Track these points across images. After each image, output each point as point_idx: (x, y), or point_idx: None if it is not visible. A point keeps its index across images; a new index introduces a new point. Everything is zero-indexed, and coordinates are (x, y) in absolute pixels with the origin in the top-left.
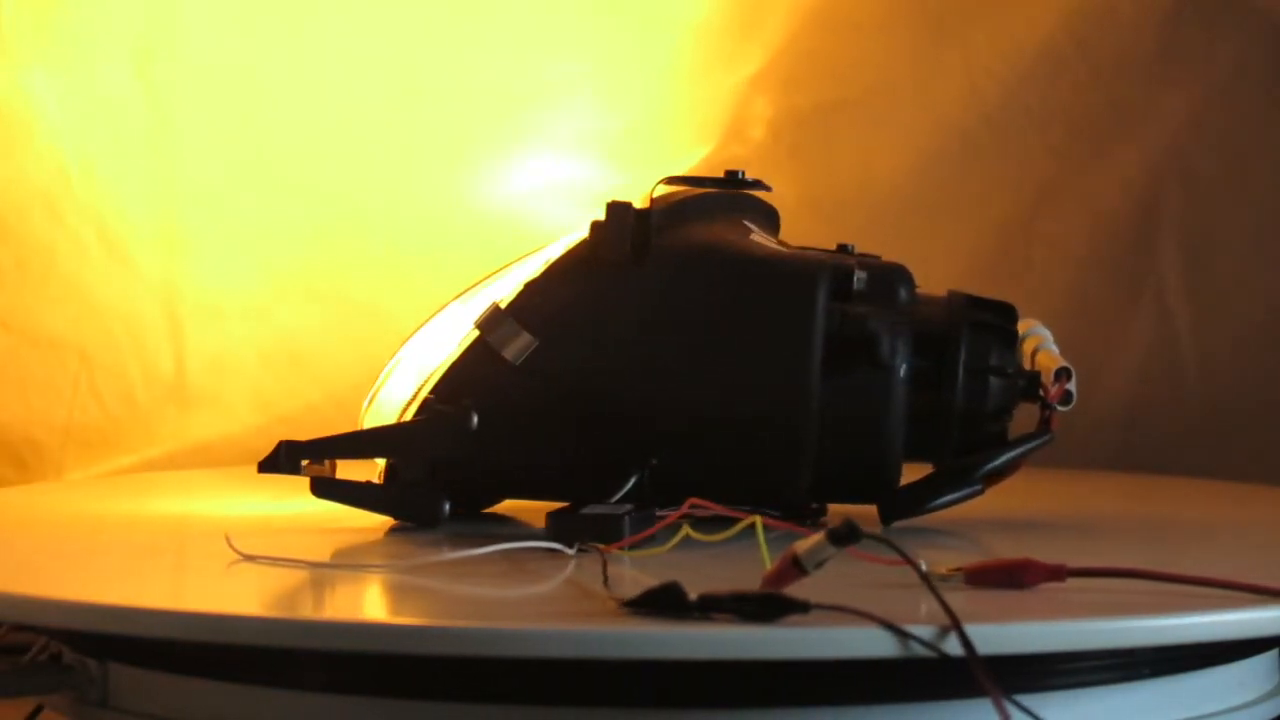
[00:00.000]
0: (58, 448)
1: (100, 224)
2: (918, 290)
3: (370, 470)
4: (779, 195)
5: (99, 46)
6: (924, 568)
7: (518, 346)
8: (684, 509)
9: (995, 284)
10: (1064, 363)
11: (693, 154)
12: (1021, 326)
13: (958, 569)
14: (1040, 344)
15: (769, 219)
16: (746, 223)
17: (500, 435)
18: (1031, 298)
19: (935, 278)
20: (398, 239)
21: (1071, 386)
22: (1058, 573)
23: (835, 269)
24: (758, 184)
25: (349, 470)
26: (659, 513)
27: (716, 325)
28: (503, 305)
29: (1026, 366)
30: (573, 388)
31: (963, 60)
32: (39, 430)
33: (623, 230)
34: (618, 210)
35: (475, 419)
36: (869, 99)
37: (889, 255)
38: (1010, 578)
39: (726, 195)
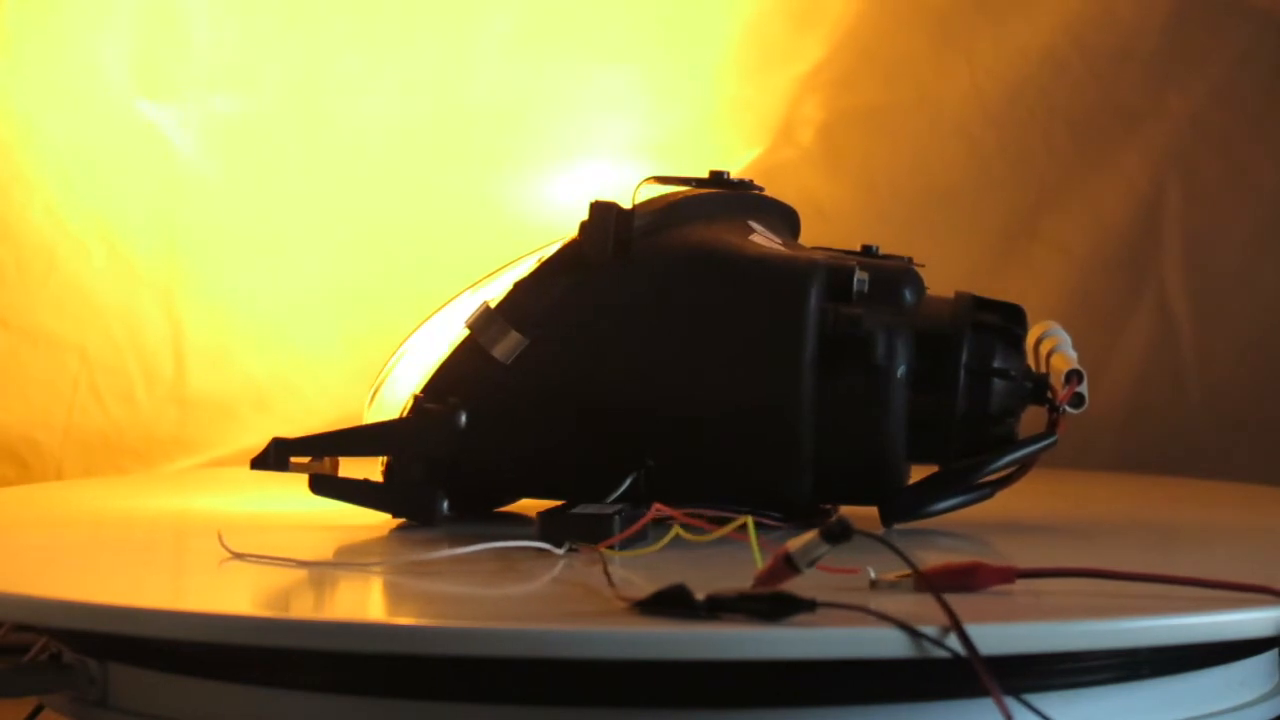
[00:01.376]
0: (57, 447)
1: (100, 224)
2: (928, 292)
3: (375, 467)
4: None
5: (99, 47)
6: (873, 575)
7: (507, 345)
8: (650, 514)
9: (996, 284)
10: (1076, 365)
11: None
12: (1039, 328)
13: (906, 574)
14: (1055, 346)
15: (784, 220)
16: (753, 223)
17: (493, 434)
18: (1032, 297)
19: (936, 278)
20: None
21: (1083, 389)
22: (1006, 575)
23: (830, 269)
24: (744, 184)
25: (359, 468)
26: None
27: (707, 325)
28: (492, 305)
29: (1042, 369)
30: (564, 387)
31: (966, 62)
32: (39, 430)
33: (605, 230)
34: (600, 210)
35: (463, 418)
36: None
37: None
38: (959, 582)
39: (732, 196)
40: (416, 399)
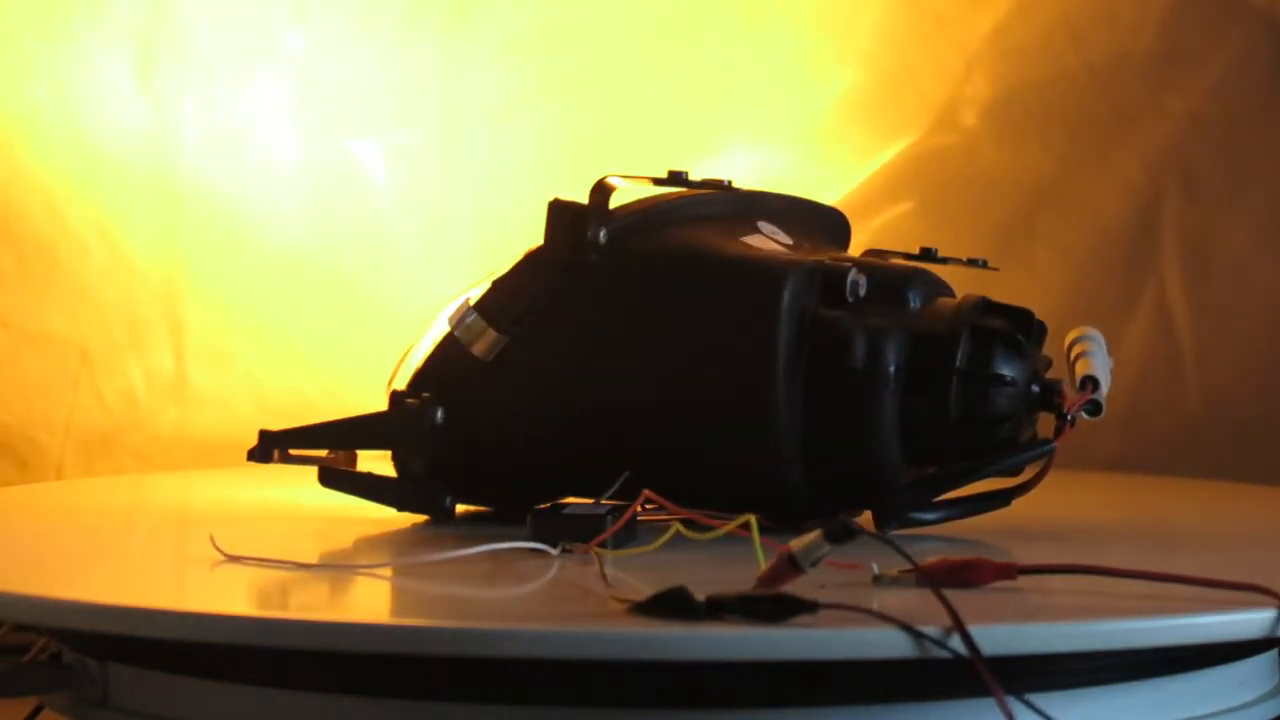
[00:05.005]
0: (58, 447)
1: (100, 224)
2: (947, 296)
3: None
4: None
5: (99, 46)
6: (876, 570)
7: (486, 343)
8: (634, 508)
9: (995, 284)
10: (1092, 371)
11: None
12: (1075, 333)
13: (909, 570)
14: (1083, 352)
15: (821, 223)
16: (763, 225)
17: (479, 432)
18: (1031, 297)
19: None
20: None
21: (1099, 396)
22: (1007, 571)
23: (821, 272)
24: (716, 184)
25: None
26: (641, 514)
27: (683, 326)
28: (472, 302)
29: (1070, 374)
30: (545, 385)
31: (963, 60)
32: (39, 429)
33: (562, 230)
34: (557, 209)
35: (439, 414)
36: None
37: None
38: (960, 577)
39: (738, 197)
40: (395, 394)
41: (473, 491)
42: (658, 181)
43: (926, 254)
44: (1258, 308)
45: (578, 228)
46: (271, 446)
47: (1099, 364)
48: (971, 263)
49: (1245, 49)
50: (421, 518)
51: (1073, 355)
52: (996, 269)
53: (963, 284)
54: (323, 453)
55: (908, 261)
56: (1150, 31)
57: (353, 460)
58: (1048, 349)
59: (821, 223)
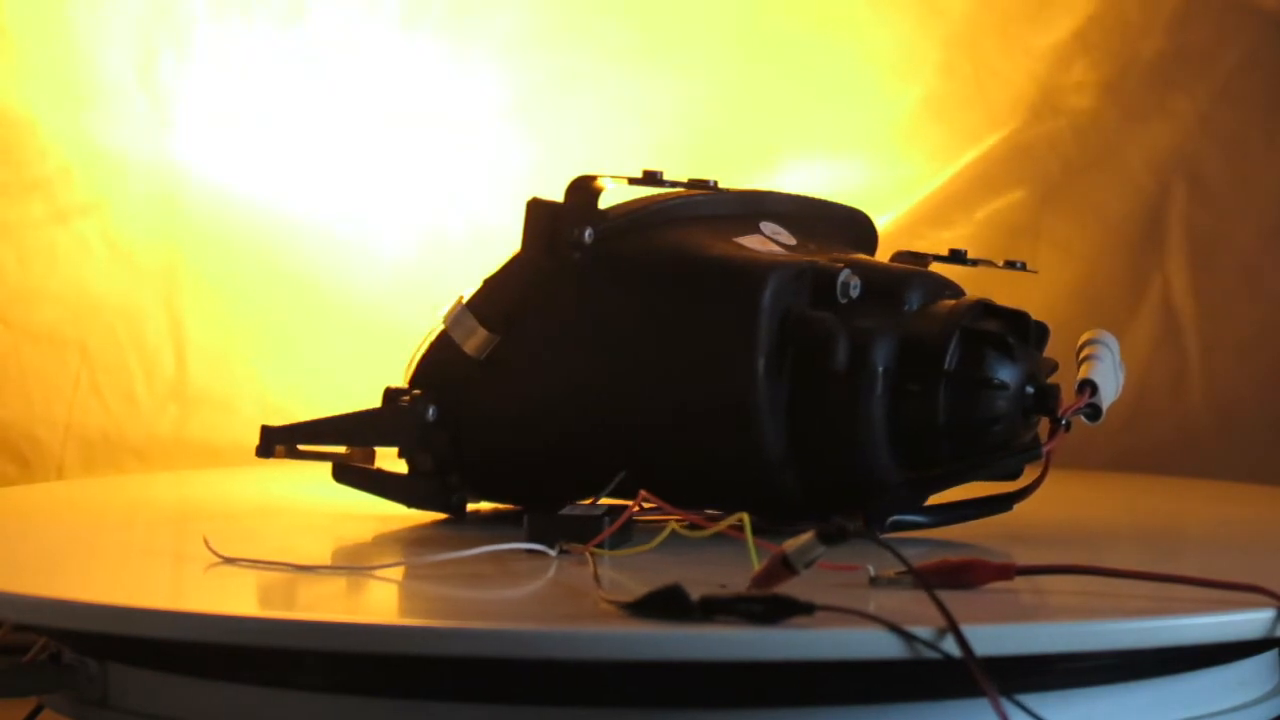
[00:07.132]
0: (58, 445)
1: (100, 223)
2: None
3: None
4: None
5: (99, 46)
6: (872, 571)
7: (477, 341)
8: (631, 510)
9: (1000, 284)
10: (1092, 376)
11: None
12: (1086, 336)
13: (904, 571)
14: (1088, 355)
15: (837, 225)
16: (765, 225)
17: (471, 429)
18: (1036, 298)
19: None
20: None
21: (1098, 400)
22: (1005, 571)
23: (803, 272)
24: (693, 183)
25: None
26: (639, 515)
27: (667, 327)
28: (465, 300)
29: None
30: (536, 385)
31: (970, 61)
32: (40, 428)
33: (538, 229)
34: (533, 209)
35: (432, 411)
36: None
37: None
38: (956, 578)
39: (737, 197)
40: (388, 391)
41: (477, 489)
42: (634, 181)
43: (956, 256)
44: (1263, 308)
45: (555, 227)
46: (273, 442)
47: (1102, 369)
48: (1009, 265)
49: (1253, 50)
50: (433, 515)
51: (1080, 358)
52: (1035, 271)
53: (960, 282)
54: (341, 449)
55: (938, 264)
56: (1157, 32)
57: (369, 457)
58: (1059, 351)
59: (836, 225)
